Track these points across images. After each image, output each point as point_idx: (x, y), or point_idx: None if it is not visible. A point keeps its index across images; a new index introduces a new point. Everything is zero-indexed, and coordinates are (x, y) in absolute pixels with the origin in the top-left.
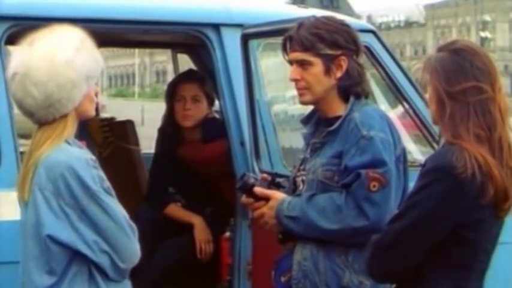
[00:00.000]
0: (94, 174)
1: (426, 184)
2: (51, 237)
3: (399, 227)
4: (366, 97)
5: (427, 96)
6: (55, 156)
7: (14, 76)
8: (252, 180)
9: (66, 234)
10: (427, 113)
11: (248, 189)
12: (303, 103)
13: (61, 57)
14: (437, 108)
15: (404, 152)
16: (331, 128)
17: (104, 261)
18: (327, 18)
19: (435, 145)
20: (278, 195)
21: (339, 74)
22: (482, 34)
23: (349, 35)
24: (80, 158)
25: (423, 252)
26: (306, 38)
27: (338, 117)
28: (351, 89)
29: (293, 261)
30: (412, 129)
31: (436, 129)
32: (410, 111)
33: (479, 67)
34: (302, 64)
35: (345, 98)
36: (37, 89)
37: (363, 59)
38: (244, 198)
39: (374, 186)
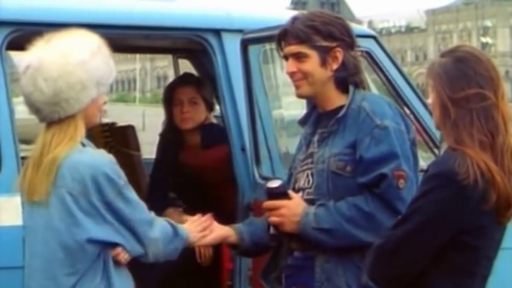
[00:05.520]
0: (118, 170)
1: (429, 190)
2: (90, 240)
3: (402, 232)
4: (364, 89)
5: (429, 101)
6: (77, 157)
7: (26, 69)
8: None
9: (102, 232)
10: (428, 118)
11: (283, 193)
12: (300, 96)
13: (75, 57)
14: (440, 114)
15: (414, 135)
16: (339, 115)
17: (137, 250)
18: (321, 11)
19: (436, 150)
20: (299, 201)
21: (335, 66)
22: (483, 39)
23: (344, 27)
24: (102, 155)
25: (426, 258)
26: (301, 31)
27: (340, 107)
28: (348, 79)
29: (315, 263)
30: None
31: (437, 134)
32: (411, 117)
33: (482, 74)
34: (298, 57)
35: (343, 90)
36: (46, 84)
37: (363, 62)
38: (268, 202)
39: (401, 183)
